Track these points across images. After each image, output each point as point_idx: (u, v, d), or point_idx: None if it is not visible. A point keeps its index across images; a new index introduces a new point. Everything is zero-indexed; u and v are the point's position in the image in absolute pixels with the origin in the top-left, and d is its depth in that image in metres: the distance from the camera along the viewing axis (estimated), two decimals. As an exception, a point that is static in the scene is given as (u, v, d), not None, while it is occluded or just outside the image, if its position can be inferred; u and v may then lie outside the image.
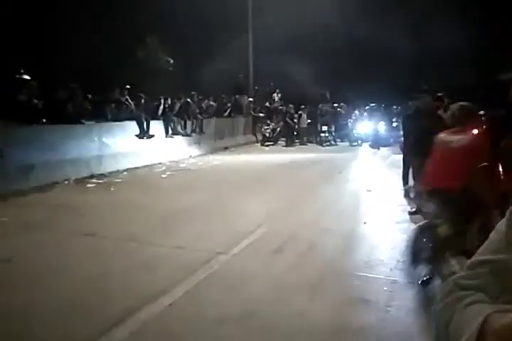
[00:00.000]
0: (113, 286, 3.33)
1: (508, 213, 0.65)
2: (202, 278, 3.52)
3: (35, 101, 8.17)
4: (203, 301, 3.12)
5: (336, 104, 18.10)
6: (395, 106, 16.85)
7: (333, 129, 16.83)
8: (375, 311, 3.00)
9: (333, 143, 16.46)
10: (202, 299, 3.16)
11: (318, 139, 16.50)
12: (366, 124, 16.18)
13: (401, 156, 6.34)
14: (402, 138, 6.19)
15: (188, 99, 12.92)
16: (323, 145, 15.81)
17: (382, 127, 15.83)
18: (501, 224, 0.66)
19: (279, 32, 18.20)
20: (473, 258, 0.66)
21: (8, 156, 6.92)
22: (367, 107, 17.41)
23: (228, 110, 15.72)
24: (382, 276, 3.63)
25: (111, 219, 5.32)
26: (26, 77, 9.21)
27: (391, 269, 3.77)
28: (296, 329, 2.76)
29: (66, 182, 7.54)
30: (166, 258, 3.96)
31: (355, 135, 16.31)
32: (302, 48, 19.58)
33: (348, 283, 3.52)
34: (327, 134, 16.56)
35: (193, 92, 13.53)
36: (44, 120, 8.27)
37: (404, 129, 6.11)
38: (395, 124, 15.34)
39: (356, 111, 17.80)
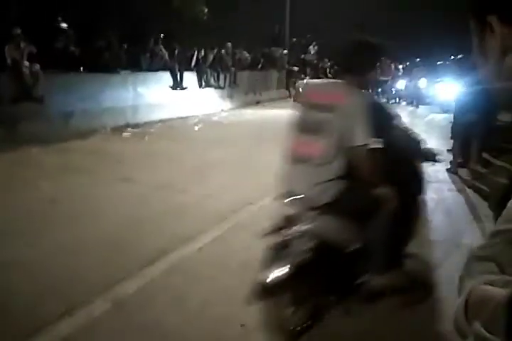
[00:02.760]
0: (146, 229, 3.53)
1: None
2: (230, 225, 3.67)
3: (72, 48, 8.24)
4: (231, 247, 3.26)
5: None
6: (439, 62, 15.84)
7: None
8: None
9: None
10: (230, 245, 3.30)
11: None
12: (406, 81, 15.45)
13: (440, 116, 6.05)
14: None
15: (222, 50, 12.66)
16: (358, 102, 15.35)
17: (423, 84, 15.09)
18: None
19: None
20: (493, 228, 0.65)
21: (49, 103, 7.15)
22: (409, 63, 16.53)
23: (261, 63, 15.34)
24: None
25: (145, 166, 5.51)
26: (63, 25, 9.22)
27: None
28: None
29: (103, 130, 7.77)
30: (196, 205, 4.12)
31: (394, 92, 15.68)
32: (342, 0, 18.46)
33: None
34: (364, 90, 16.00)
35: (228, 43, 13.19)
36: (81, 68, 8.38)
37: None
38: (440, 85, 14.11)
39: (395, 67, 16.95)
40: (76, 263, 2.88)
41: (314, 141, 2.01)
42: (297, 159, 2.07)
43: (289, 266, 1.83)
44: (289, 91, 16.39)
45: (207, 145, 7.00)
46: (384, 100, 15.59)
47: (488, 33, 0.57)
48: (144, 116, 8.99)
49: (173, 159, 5.97)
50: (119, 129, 7.99)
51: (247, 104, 13.12)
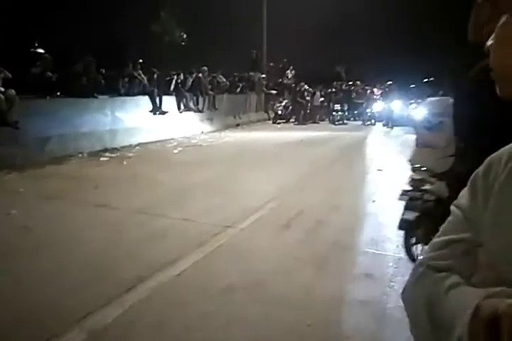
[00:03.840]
0: (124, 255, 3.45)
1: (465, 191, 0.64)
2: (210, 250, 3.62)
3: (49, 74, 8.21)
4: (210, 272, 3.22)
5: (350, 82, 17.80)
6: (412, 85, 16.41)
7: (346, 108, 16.63)
8: (379, 286, 3.07)
9: (345, 121, 16.29)
10: (210, 270, 3.26)
11: (330, 118, 16.35)
12: (381, 103, 15.93)
13: (413, 136, 6.18)
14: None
15: (200, 74, 12.82)
16: (335, 124, 15.67)
17: (397, 106, 15.56)
18: (460, 201, 0.64)
19: (294, 9, 17.73)
20: (439, 239, 0.64)
21: (25, 128, 7.05)
22: (382, 86, 17.07)
23: (240, 86, 15.59)
24: (388, 253, 3.68)
25: (123, 191, 5.44)
26: (40, 50, 9.22)
27: (397, 246, 3.81)
28: (302, 301, 2.84)
29: (80, 155, 7.67)
30: (175, 230, 4.07)
31: (369, 114, 16.10)
32: (317, 25, 19.10)
33: (354, 258, 3.58)
34: (340, 113, 16.38)
35: (204, 67, 13.34)
36: (58, 93, 8.34)
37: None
38: (413, 106, 14.69)
39: (369, 90, 17.48)
40: (51, 292, 2.78)
41: (434, 134, 3.04)
42: (423, 145, 3.13)
43: (417, 211, 2.98)
44: (268, 114, 16.64)
45: (186, 168, 6.98)
46: (360, 122, 15.99)
47: None
48: (122, 141, 8.94)
49: (152, 183, 5.92)
50: (96, 154, 7.91)
51: (226, 127, 13.23)
